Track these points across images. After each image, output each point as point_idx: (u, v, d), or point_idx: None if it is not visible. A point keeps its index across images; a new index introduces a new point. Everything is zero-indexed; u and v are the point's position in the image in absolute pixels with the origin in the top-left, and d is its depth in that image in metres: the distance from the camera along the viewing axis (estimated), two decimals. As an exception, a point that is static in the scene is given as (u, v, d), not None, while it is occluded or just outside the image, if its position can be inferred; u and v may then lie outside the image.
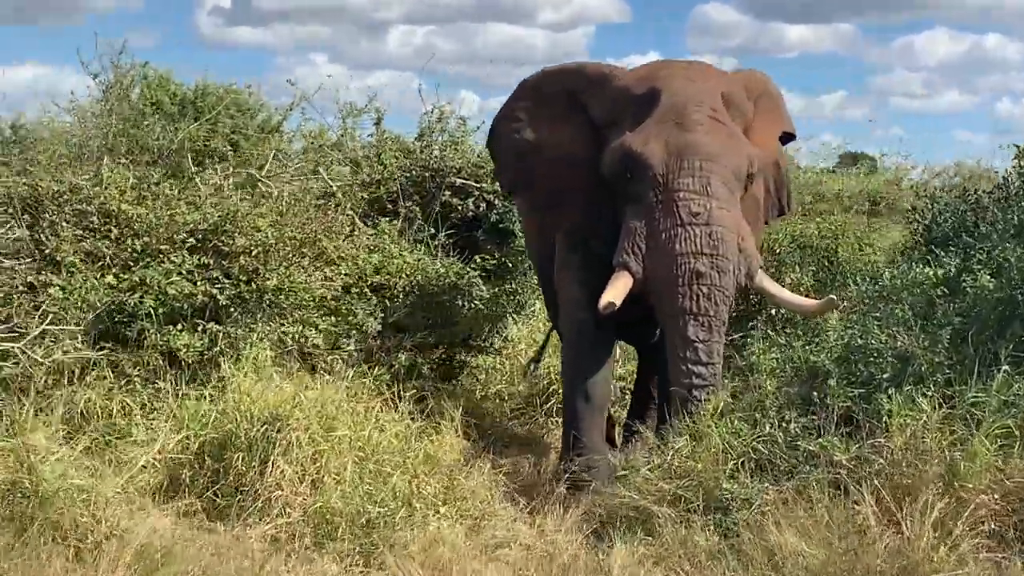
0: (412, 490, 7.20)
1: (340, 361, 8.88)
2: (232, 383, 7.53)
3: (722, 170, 7.51)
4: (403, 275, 9.92)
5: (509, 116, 8.60)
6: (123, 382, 7.88)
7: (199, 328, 8.17)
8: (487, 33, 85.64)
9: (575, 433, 8.09)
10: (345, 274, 9.41)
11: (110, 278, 8.09)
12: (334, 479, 7.13)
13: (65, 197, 8.54)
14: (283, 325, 8.49)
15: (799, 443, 6.97)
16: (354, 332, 9.22)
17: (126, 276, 8.16)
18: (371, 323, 9.33)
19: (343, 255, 9.54)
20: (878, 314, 7.71)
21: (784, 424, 7.15)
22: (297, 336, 8.51)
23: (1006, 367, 6.84)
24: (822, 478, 6.70)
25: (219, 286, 8.33)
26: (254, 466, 7.06)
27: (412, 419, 8.04)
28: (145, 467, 7.20)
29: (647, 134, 7.61)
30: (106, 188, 8.66)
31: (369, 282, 9.70)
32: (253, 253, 8.50)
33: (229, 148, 11.33)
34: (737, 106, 8.02)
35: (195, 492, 7.13)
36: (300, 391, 7.46)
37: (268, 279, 8.42)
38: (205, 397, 7.57)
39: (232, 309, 8.32)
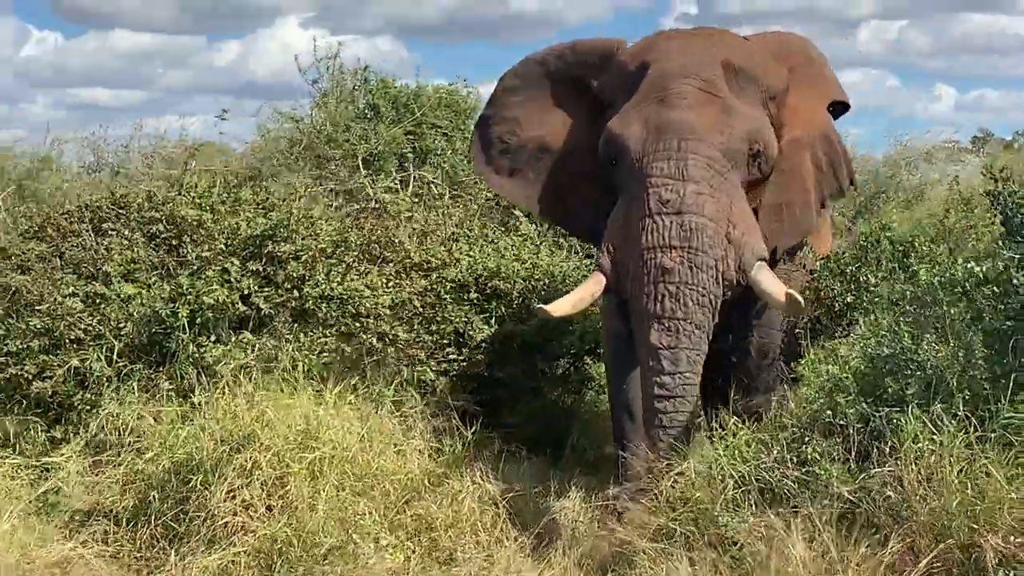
0: (376, 519, 6.73)
1: (430, 373, 8.43)
2: (215, 400, 7.26)
3: (706, 149, 6.57)
4: (518, 279, 9.23)
5: (500, 115, 7.81)
6: (156, 396, 7.76)
7: (233, 340, 7.91)
8: (961, 23, 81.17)
9: (621, 456, 7.32)
10: (443, 279, 8.90)
11: (148, 288, 8.01)
12: (307, 504, 6.75)
13: (136, 205, 8.58)
14: (326, 336, 8.08)
15: (815, 470, 6.09)
16: (447, 342, 8.72)
17: (165, 285, 8.03)
18: (479, 329, 8.81)
19: (436, 259, 9.04)
20: (910, 319, 6.52)
21: (798, 447, 6.25)
22: (347, 347, 8.11)
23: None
24: (825, 511, 5.90)
25: (265, 294, 8.07)
26: (215, 490, 6.77)
27: (458, 436, 7.60)
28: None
29: (629, 114, 6.80)
30: (179, 195, 8.63)
31: (484, 287, 9.13)
32: (301, 259, 8.18)
33: (439, 148, 11.10)
34: (751, 75, 6.96)
35: (161, 516, 6.93)
36: (271, 408, 7.07)
37: (312, 287, 8.07)
38: (180, 416, 7.35)
39: (275, 320, 8.04)
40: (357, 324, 8.18)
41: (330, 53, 12.50)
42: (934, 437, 5.81)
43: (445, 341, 8.71)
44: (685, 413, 6.46)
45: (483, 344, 8.89)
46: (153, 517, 6.94)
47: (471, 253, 9.32)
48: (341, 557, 6.44)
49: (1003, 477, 5.60)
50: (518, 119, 7.61)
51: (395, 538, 6.67)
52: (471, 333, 8.82)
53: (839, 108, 7.63)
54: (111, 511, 7.14)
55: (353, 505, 6.78)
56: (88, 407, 7.72)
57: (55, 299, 7.93)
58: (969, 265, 6.40)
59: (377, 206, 10.53)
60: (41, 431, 7.80)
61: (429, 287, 8.73)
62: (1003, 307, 6.21)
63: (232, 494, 6.77)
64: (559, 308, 6.79)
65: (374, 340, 8.14)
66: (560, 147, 7.39)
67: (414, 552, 6.69)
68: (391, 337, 8.25)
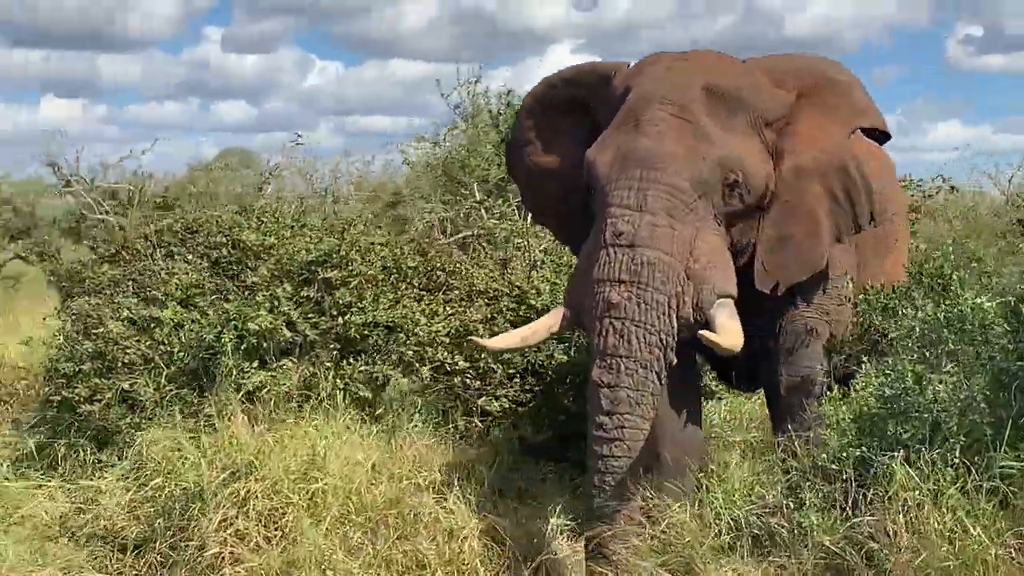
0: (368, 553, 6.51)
1: (495, 404, 8.19)
2: (223, 427, 7.18)
3: (671, 179, 6.12)
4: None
5: (520, 139, 7.42)
6: (200, 423, 7.73)
7: (276, 366, 7.82)
8: None
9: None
10: (515, 306, 8.62)
11: (202, 314, 8.02)
12: (301, 537, 6.59)
13: (205, 230, 8.62)
14: (370, 363, 7.91)
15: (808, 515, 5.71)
16: (516, 372, 8.44)
17: (213, 311, 8.02)
18: (556, 359, 8.51)
19: (508, 287, 8.78)
20: (915, 356, 6.05)
21: (796, 492, 5.92)
22: (396, 376, 7.92)
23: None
24: (807, 562, 5.58)
25: (312, 321, 7.96)
26: (209, 519, 6.68)
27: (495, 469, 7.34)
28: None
29: (604, 141, 6.41)
30: (245, 219, 8.63)
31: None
32: (349, 285, 8.04)
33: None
34: (738, 100, 6.43)
35: (164, 544, 6.88)
36: (271, 437, 6.94)
37: (357, 313, 7.91)
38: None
39: (318, 347, 7.92)
40: (410, 352, 7.95)
41: (472, 78, 12.38)
42: (924, 486, 5.40)
43: (513, 371, 8.37)
44: (624, 457, 6.03)
45: (562, 375, 8.52)
46: (157, 544, 6.85)
47: (555, 280, 8.96)
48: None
49: (983, 531, 5.20)
50: (532, 141, 7.27)
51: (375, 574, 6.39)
52: (544, 364, 8.46)
53: (878, 136, 7.07)
54: (116, 537, 7.08)
55: (343, 540, 6.55)
56: (133, 431, 7.69)
57: (109, 323, 7.99)
58: (979, 300, 5.75)
59: (483, 232, 10.31)
60: (89, 454, 7.82)
61: (492, 316, 8.41)
62: (1013, 346, 5.54)
63: (226, 524, 6.62)
64: (504, 341, 6.54)
65: (426, 370, 7.89)
66: (568, 173, 6.99)
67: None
68: (450, 365, 8.01)
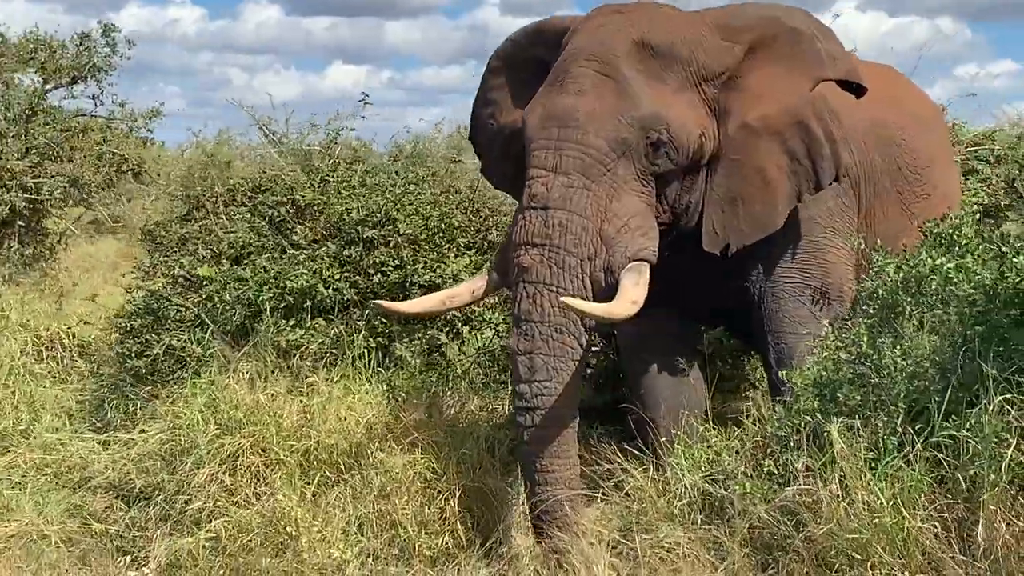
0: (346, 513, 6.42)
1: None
2: (222, 384, 7.16)
3: (587, 138, 5.83)
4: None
5: (484, 99, 7.13)
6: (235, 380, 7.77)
7: (310, 325, 7.79)
8: None
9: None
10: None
11: (247, 271, 8.03)
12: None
13: (264, 188, 8.66)
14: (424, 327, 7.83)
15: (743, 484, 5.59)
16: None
17: (250, 269, 8.03)
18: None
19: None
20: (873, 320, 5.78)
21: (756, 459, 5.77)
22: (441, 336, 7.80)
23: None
24: (738, 532, 5.46)
25: (351, 280, 7.89)
26: (198, 474, 6.72)
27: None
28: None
29: (535, 100, 6.17)
30: (311, 178, 8.62)
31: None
32: (390, 244, 7.92)
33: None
34: (673, 54, 6.08)
35: (162, 497, 6.93)
36: (260, 395, 6.90)
37: (392, 272, 7.81)
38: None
39: (356, 307, 7.85)
40: (454, 313, 7.82)
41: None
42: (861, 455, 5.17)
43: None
44: (547, 426, 5.79)
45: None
46: (156, 497, 6.90)
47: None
48: (273, 550, 6.19)
49: (908, 503, 4.97)
50: (497, 102, 7.01)
51: (346, 534, 6.32)
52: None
53: (849, 88, 6.44)
54: (122, 488, 7.17)
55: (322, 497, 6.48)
56: (176, 386, 7.77)
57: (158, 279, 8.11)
58: (939, 261, 5.25)
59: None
60: (138, 408, 7.94)
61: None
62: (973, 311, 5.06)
63: (214, 479, 6.63)
64: (421, 305, 6.38)
65: (463, 326, 7.77)
66: None
67: (369, 552, 6.32)
68: (491, 323, 7.86)
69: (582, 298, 5.69)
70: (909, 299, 5.59)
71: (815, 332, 6.30)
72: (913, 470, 5.01)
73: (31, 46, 13.16)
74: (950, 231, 5.88)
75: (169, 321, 8.11)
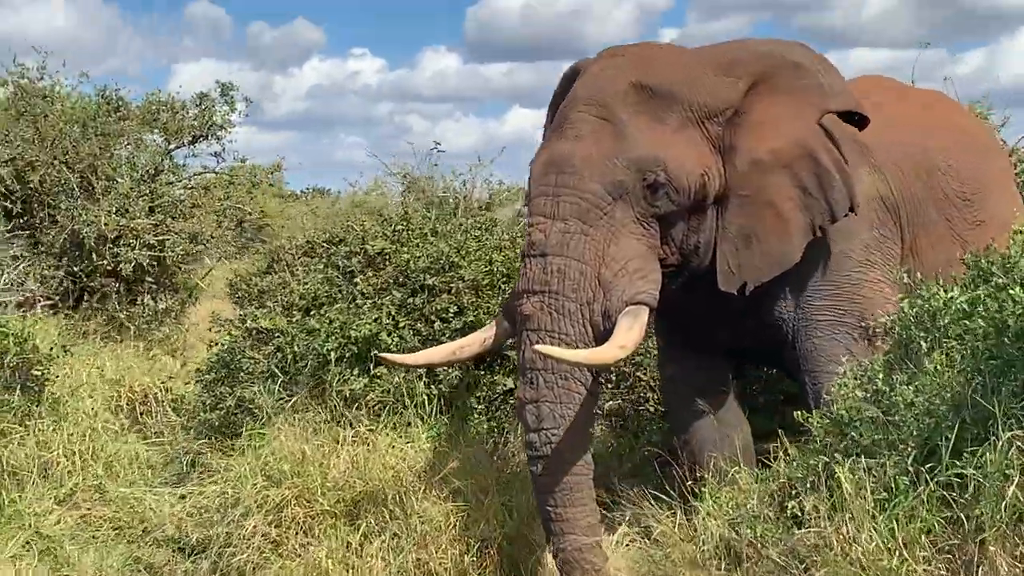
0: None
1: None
2: (268, 437, 7.22)
3: (583, 183, 5.77)
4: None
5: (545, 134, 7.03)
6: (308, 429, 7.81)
7: (373, 374, 7.79)
8: None
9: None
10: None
11: (313, 321, 8.07)
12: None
13: (339, 239, 8.71)
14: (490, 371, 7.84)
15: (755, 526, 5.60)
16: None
17: (314, 320, 8.07)
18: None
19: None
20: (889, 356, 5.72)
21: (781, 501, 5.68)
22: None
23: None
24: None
25: (415, 328, 7.88)
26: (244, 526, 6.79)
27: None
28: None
29: (540, 147, 6.17)
30: (384, 227, 8.65)
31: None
32: (452, 291, 7.89)
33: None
34: (672, 95, 5.97)
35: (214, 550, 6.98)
36: (305, 446, 6.92)
37: (453, 318, 7.77)
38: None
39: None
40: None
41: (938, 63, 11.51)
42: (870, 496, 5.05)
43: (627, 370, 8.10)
44: (562, 475, 5.72)
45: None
46: (210, 550, 6.96)
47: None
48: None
49: (912, 544, 4.84)
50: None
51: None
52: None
53: (848, 118, 6.27)
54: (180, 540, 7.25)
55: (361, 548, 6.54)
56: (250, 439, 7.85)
57: (232, 333, 8.21)
58: (952, 295, 5.03)
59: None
60: (215, 460, 8.02)
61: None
62: (986, 345, 4.87)
63: (257, 531, 6.69)
64: (427, 357, 6.38)
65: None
66: None
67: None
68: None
69: (584, 343, 5.64)
70: (923, 334, 5.41)
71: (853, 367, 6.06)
72: (927, 510, 4.86)
73: (154, 107, 13.51)
74: (986, 262, 5.58)
75: (242, 373, 8.18)
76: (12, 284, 10.98)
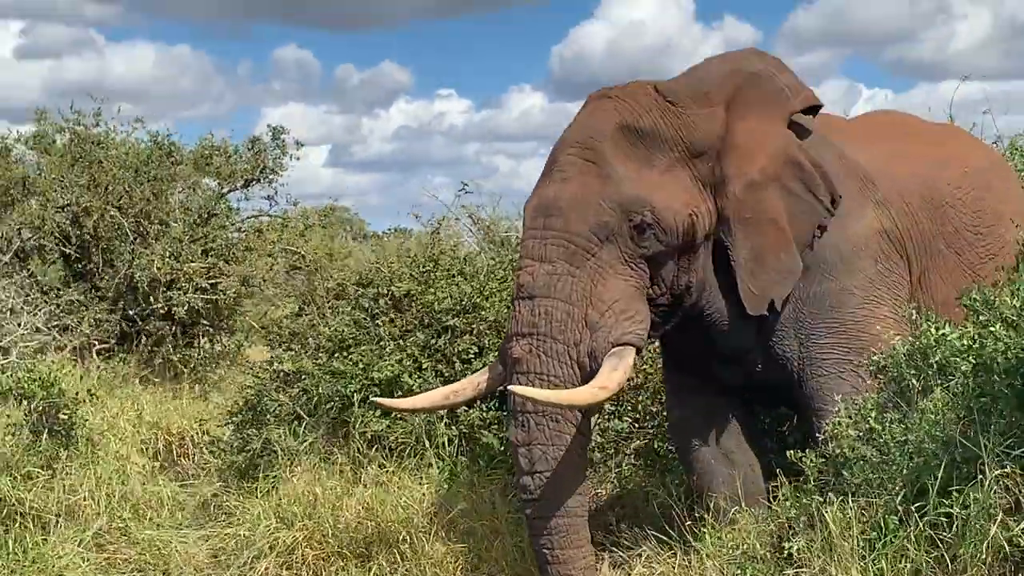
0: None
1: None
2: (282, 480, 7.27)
3: (568, 225, 5.74)
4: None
5: None
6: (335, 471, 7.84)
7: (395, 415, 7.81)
8: None
9: None
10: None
11: (338, 363, 8.12)
12: None
13: (367, 281, 8.77)
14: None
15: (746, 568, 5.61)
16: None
17: (338, 361, 8.12)
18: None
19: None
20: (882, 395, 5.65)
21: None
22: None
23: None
24: None
25: (437, 369, 7.90)
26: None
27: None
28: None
29: (533, 191, 6.10)
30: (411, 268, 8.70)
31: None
32: (474, 332, 7.91)
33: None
34: (659, 135, 5.94)
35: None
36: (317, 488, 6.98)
37: (474, 358, 7.78)
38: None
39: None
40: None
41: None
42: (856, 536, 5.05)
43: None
44: (557, 518, 5.67)
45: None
46: (225, 594, 7.03)
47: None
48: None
49: None
50: None
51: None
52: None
53: (812, 111, 6.38)
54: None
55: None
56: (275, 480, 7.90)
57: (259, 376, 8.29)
58: (943, 332, 4.97)
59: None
60: (238, 501, 8.07)
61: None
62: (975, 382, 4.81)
63: (267, 572, 6.78)
64: (424, 401, 6.28)
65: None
66: None
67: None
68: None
69: (572, 384, 5.60)
70: (913, 372, 5.35)
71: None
72: (915, 549, 4.84)
73: (207, 152, 13.70)
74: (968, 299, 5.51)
75: (268, 415, 8.23)
76: (50, 327, 11.21)
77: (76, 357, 12.16)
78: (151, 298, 12.84)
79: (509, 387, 5.55)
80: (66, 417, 8.05)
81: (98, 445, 8.36)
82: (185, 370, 12.90)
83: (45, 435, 7.97)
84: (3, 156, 13.69)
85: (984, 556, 4.59)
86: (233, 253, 13.43)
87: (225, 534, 7.34)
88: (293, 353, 8.54)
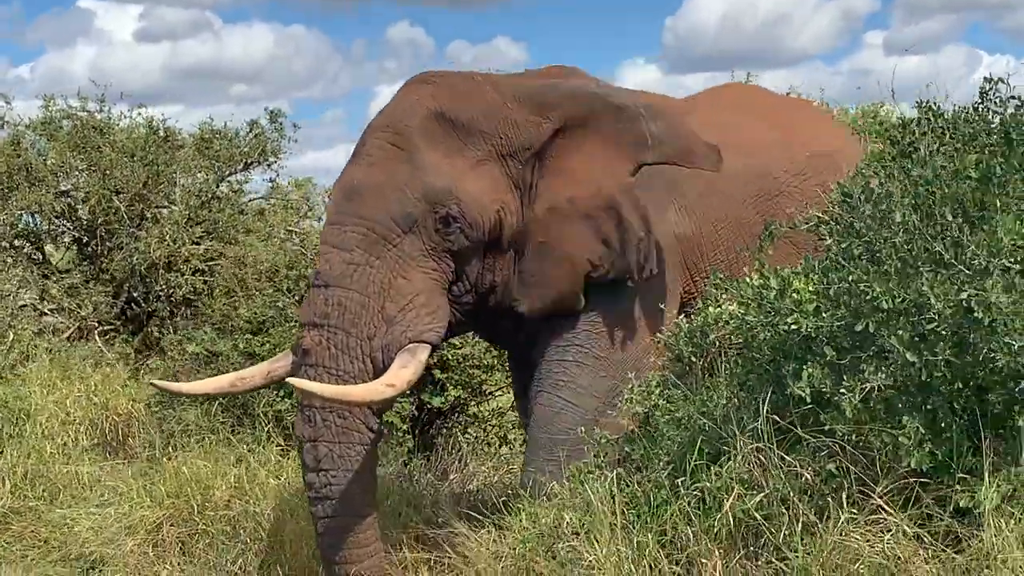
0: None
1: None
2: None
3: (370, 212, 5.61)
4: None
5: None
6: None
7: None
8: None
9: None
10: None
11: (255, 344, 8.21)
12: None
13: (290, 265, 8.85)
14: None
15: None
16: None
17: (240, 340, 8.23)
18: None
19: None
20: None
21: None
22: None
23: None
24: None
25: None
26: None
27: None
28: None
29: (340, 174, 6.01)
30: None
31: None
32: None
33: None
34: (475, 128, 5.82)
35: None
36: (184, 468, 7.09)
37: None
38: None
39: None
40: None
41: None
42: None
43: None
44: (340, 516, 5.58)
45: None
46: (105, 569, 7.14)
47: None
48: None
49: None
50: None
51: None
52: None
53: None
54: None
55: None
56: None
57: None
58: (720, 309, 5.45)
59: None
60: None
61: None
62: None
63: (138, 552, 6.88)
64: (205, 386, 6.27)
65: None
66: None
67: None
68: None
69: (363, 380, 5.51)
70: (692, 350, 5.36)
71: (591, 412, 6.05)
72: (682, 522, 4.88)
73: (207, 136, 13.79)
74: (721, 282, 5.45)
75: (183, 396, 8.29)
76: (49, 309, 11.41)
77: (79, 338, 12.35)
78: (150, 281, 12.98)
79: (289, 380, 5.41)
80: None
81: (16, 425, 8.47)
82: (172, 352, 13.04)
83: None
84: (14, 144, 13.91)
85: (717, 528, 4.66)
86: (232, 236, 13.51)
87: (105, 513, 7.40)
88: (209, 334, 8.60)
